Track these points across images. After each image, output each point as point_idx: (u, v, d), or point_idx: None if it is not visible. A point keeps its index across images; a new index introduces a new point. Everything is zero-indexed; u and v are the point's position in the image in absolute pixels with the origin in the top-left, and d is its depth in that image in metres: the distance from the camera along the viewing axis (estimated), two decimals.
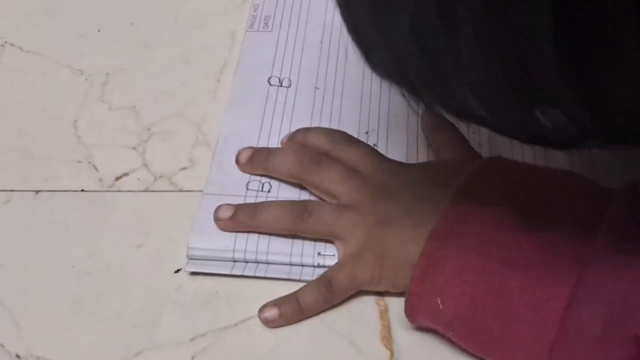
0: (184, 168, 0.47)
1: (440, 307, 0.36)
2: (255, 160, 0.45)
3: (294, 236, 0.42)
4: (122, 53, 0.54)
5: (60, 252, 0.43)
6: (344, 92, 0.51)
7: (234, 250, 0.41)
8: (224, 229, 0.42)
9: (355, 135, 0.47)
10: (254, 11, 0.56)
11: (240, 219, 0.42)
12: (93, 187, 0.46)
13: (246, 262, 0.42)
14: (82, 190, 0.46)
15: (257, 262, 0.42)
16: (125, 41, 0.55)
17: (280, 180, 0.45)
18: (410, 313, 0.37)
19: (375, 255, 0.39)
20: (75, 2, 0.58)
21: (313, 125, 0.48)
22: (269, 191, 0.44)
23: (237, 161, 0.45)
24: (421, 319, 0.37)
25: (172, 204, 0.45)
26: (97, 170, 0.47)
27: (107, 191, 0.46)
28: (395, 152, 0.46)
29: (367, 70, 0.50)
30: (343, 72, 0.52)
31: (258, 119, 0.48)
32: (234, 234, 0.42)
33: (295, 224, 0.41)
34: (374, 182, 0.42)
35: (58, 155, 0.48)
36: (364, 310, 0.40)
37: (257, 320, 0.40)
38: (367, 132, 0.48)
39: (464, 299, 0.35)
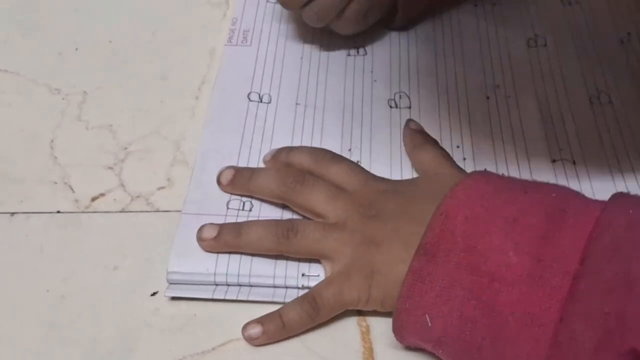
0: (162, 187, 0.46)
1: (429, 324, 0.35)
2: (238, 181, 0.44)
3: (277, 257, 0.41)
4: (100, 71, 0.54)
5: (35, 275, 0.42)
6: (325, 108, 0.50)
7: (215, 274, 0.40)
8: (208, 249, 0.41)
9: (338, 152, 0.46)
10: (233, 25, 0.55)
11: (225, 238, 0.41)
12: (69, 209, 0.45)
13: (228, 285, 0.41)
14: (58, 212, 0.45)
15: (240, 284, 0.41)
16: (103, 59, 0.54)
17: (263, 200, 0.44)
18: (399, 331, 0.37)
19: (364, 275, 0.39)
20: (53, 21, 0.58)
21: (294, 142, 0.47)
22: (250, 210, 0.43)
23: (218, 182, 0.44)
24: (409, 337, 0.37)
25: (149, 224, 0.44)
26: (73, 191, 0.46)
27: (83, 212, 0.45)
28: (380, 168, 0.46)
29: (349, 86, 0.51)
30: (324, 87, 0.51)
31: (237, 136, 0.47)
32: (215, 256, 0.41)
33: (280, 243, 0.40)
34: (361, 200, 0.41)
35: (34, 176, 0.47)
36: (345, 331, 0.39)
37: (236, 344, 0.39)
38: (349, 149, 0.47)
39: (453, 315, 0.35)
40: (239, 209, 0.43)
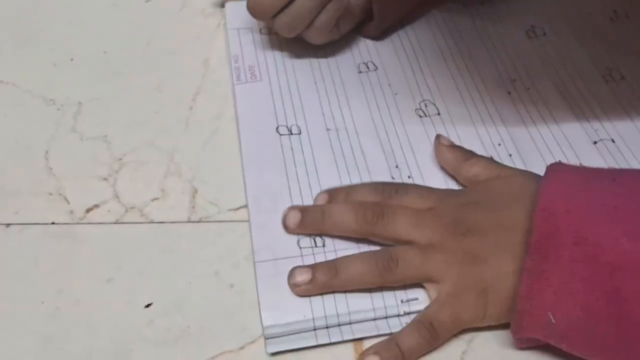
0: (155, 199, 0.46)
1: (553, 321, 0.35)
2: (308, 222, 0.42)
3: (371, 289, 0.40)
4: (95, 82, 0.54)
5: (30, 287, 0.42)
6: (358, 130, 0.49)
7: (313, 319, 0.39)
8: (303, 294, 0.40)
9: (386, 171, 0.46)
10: (235, 63, 0.54)
11: (321, 280, 0.39)
12: (63, 220, 0.45)
13: (328, 327, 0.39)
14: (53, 223, 0.45)
15: (340, 324, 0.39)
16: (97, 70, 0.55)
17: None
18: (518, 332, 0.37)
19: (477, 294, 0.38)
20: (48, 32, 0.58)
21: (340, 169, 0.47)
22: (323, 245, 0.42)
23: (284, 225, 0.43)
24: (530, 335, 0.37)
25: (143, 236, 0.44)
26: (68, 203, 0.46)
27: (77, 224, 0.45)
28: (433, 178, 0.46)
29: (372, 103, 0.50)
30: (349, 109, 0.51)
31: (281, 172, 0.46)
32: (308, 300, 0.40)
33: (383, 276, 0.39)
34: (446, 218, 0.40)
35: (29, 187, 0.47)
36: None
37: (229, 356, 0.39)
38: (397, 166, 0.47)
39: (576, 308, 0.35)
40: (312, 246, 0.42)
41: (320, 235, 0.43)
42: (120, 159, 0.49)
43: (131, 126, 0.51)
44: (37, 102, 0.53)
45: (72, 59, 0.56)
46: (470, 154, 0.45)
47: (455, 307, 0.38)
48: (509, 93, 0.52)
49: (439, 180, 0.46)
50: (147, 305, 0.41)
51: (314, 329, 0.39)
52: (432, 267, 0.39)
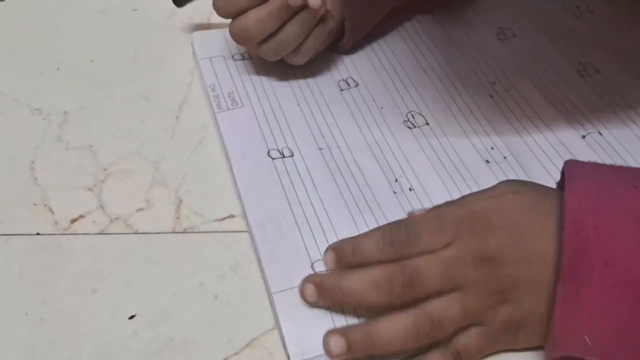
0: (141, 209, 0.46)
1: (588, 342, 0.35)
2: (327, 298, 0.39)
3: None
4: (81, 91, 0.54)
5: (14, 298, 0.42)
6: (350, 147, 0.49)
7: None
8: None
9: (386, 185, 0.46)
10: (213, 91, 0.53)
11: (358, 349, 0.37)
12: (48, 231, 0.45)
13: None
14: (38, 234, 0.45)
15: None
16: (84, 79, 0.55)
17: None
18: (552, 353, 0.36)
19: (510, 332, 0.38)
20: (35, 41, 0.58)
21: (341, 187, 0.46)
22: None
23: (303, 297, 0.40)
24: (564, 354, 0.36)
25: (127, 247, 0.44)
26: (53, 213, 0.46)
27: (62, 234, 0.45)
28: (435, 188, 0.46)
29: (359, 119, 0.50)
30: (337, 128, 0.51)
31: (281, 196, 0.46)
32: (332, 323, 0.39)
33: (421, 340, 0.37)
34: (470, 256, 0.38)
35: (14, 197, 0.47)
36: None
37: None
38: (396, 180, 0.47)
39: (612, 328, 0.34)
40: (328, 270, 0.41)
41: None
42: (106, 169, 0.49)
43: (117, 136, 0.51)
44: (23, 111, 0.53)
45: (58, 68, 0.56)
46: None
47: (486, 342, 0.38)
48: (492, 96, 0.53)
49: (440, 189, 0.46)
50: (131, 317, 0.41)
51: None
52: (474, 316, 0.38)
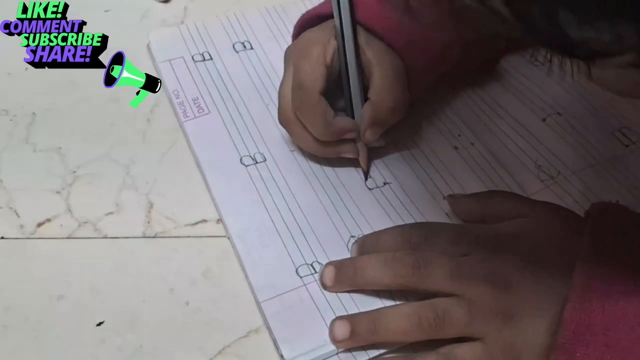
0: (110, 213, 0.45)
1: None
2: (343, 279, 0.41)
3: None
4: (50, 92, 0.53)
5: None
6: None
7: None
8: (344, 347, 0.38)
9: (360, 182, 0.46)
10: (177, 98, 0.51)
11: (361, 335, 0.38)
12: (14, 235, 0.44)
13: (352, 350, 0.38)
14: (2, 238, 0.44)
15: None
16: (53, 80, 0.53)
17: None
18: None
19: (508, 353, 0.37)
20: (2, 40, 0.56)
21: (315, 187, 0.46)
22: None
23: (322, 284, 0.41)
24: None
25: (96, 252, 0.43)
26: (19, 216, 0.45)
27: (28, 238, 0.44)
28: (411, 185, 0.46)
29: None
30: None
31: (259, 205, 0.45)
32: (324, 324, 0.39)
33: (428, 333, 0.37)
34: (484, 270, 0.38)
35: None
36: None
37: None
38: (370, 177, 0.47)
39: None
40: (312, 273, 0.42)
41: (314, 257, 0.42)
42: (75, 172, 0.47)
43: (86, 138, 0.49)
44: None
45: (26, 68, 0.54)
46: (492, 193, 0.44)
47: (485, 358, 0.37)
48: (456, 148, 0.49)
49: (416, 183, 0.46)
50: (99, 324, 0.40)
51: (337, 353, 0.38)
52: (477, 327, 0.37)
